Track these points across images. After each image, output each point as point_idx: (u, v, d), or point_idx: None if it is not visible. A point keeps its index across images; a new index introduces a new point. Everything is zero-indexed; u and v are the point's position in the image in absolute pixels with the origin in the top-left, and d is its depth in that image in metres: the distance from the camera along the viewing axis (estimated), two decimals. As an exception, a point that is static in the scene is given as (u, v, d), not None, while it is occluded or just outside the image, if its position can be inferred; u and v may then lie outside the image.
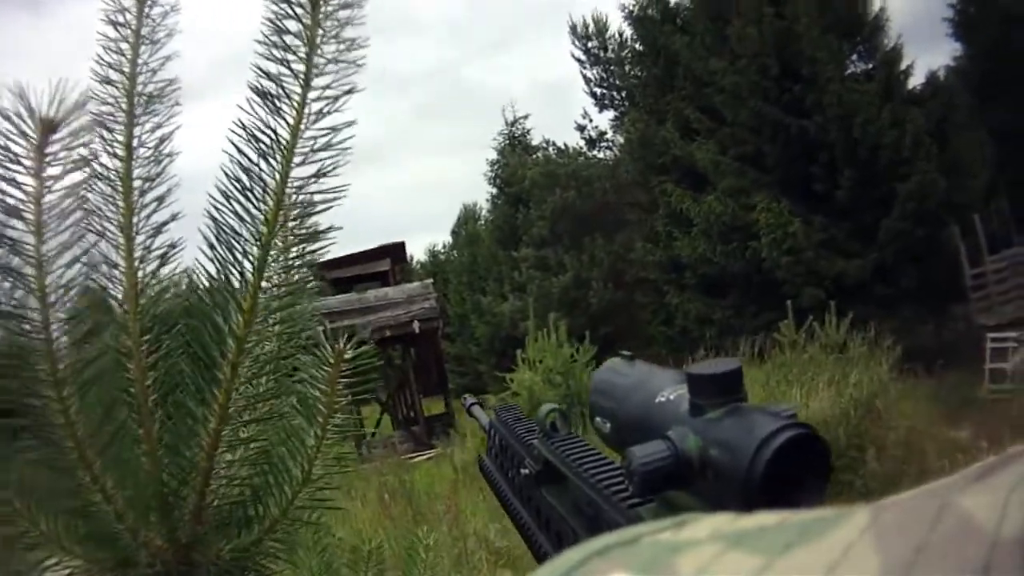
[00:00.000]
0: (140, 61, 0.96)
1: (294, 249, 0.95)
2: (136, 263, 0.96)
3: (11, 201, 0.86)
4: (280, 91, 0.87)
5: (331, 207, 0.93)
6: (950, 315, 19.55)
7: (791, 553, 0.28)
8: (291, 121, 0.88)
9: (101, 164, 0.94)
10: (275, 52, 0.86)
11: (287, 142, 0.89)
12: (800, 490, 0.54)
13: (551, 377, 10.88)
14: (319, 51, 0.87)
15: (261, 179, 0.90)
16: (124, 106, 0.95)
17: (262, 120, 0.88)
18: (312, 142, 0.89)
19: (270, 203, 0.90)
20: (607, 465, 0.78)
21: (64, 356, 0.91)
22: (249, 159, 0.89)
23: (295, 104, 0.88)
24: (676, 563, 0.30)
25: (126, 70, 0.95)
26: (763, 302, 17.77)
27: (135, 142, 0.96)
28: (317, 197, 0.92)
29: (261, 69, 0.87)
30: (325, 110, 0.88)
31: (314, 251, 0.96)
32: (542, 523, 0.91)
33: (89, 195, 0.94)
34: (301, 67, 0.87)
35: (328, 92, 0.88)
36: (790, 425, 0.54)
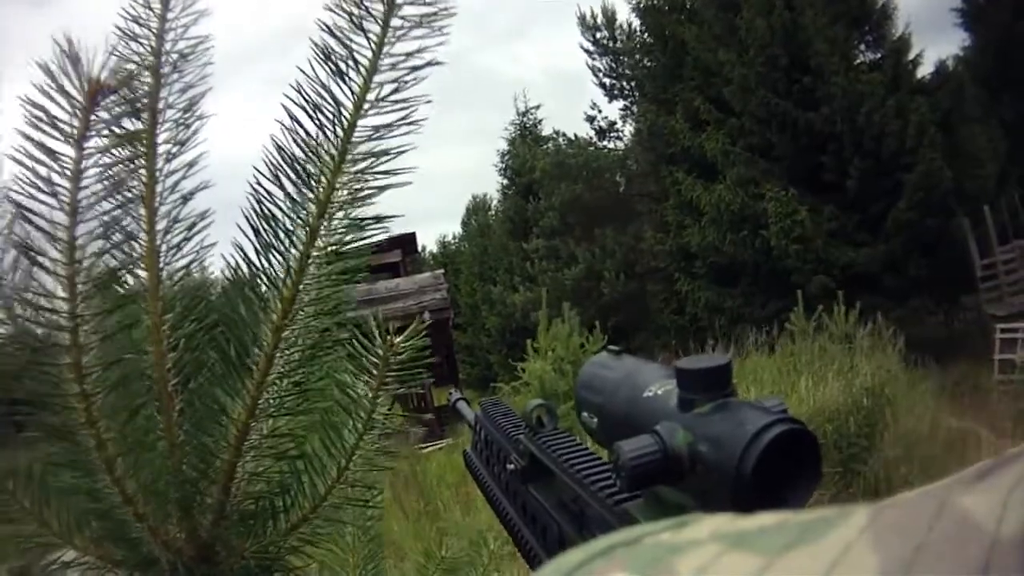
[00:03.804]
0: (170, 16, 0.88)
1: (345, 232, 0.86)
2: (159, 235, 0.90)
3: (44, 171, 0.77)
4: (348, 53, 0.77)
5: (393, 187, 0.84)
6: (960, 305, 19.59)
7: (791, 553, 0.28)
8: (357, 89, 0.78)
9: (121, 127, 0.86)
10: (345, 7, 0.76)
11: (350, 113, 0.79)
12: (790, 485, 0.55)
13: (561, 366, 10.85)
14: (397, 12, 0.76)
15: (316, 153, 0.81)
16: (151, 64, 0.88)
17: (323, 85, 0.78)
18: (377, 116, 0.79)
19: (325, 181, 0.82)
20: (594, 461, 0.78)
21: (90, 352, 0.84)
22: (306, 131, 0.80)
23: (363, 70, 0.77)
24: (676, 563, 0.30)
25: (154, 26, 0.88)
26: (772, 291, 17.75)
27: (161, 104, 0.88)
28: (378, 180, 0.83)
29: (327, 25, 0.76)
30: (400, 79, 0.78)
31: (366, 238, 0.87)
32: (527, 518, 0.91)
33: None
34: (376, 28, 0.76)
35: (402, 63, 0.77)
36: (780, 420, 0.54)
